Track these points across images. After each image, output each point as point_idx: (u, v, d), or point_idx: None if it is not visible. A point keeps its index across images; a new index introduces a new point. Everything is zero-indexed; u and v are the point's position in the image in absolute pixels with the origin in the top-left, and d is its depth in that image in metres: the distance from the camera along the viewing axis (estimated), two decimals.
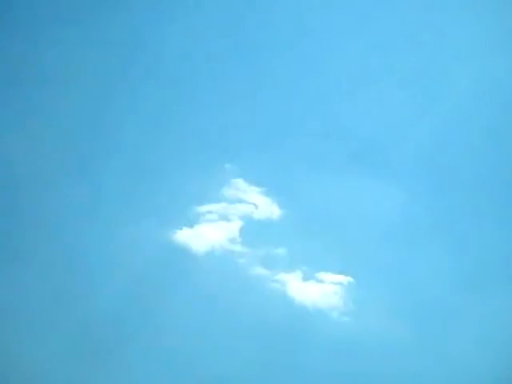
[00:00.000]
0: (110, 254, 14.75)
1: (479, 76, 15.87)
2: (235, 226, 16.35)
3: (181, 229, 15.64)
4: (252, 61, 18.37)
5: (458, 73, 16.71)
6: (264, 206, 16.58)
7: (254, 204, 16.55)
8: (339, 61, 17.96)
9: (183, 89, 17.59)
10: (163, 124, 17.05)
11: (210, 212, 16.19)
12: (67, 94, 16.58)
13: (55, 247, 14.62)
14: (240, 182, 16.61)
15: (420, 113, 17.37)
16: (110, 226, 15.25)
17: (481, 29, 16.67)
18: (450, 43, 17.30)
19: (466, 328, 14.14)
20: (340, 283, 16.36)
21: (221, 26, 18.21)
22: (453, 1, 17.51)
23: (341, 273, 16.16)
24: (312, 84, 17.81)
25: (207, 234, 16.00)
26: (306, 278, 16.39)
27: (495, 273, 14.04)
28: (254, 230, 16.34)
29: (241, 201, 16.63)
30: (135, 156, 16.62)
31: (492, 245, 14.28)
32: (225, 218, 16.34)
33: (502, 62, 15.68)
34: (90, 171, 16.21)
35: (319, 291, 16.01)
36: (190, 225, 15.89)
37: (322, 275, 16.41)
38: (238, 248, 16.12)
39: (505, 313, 13.39)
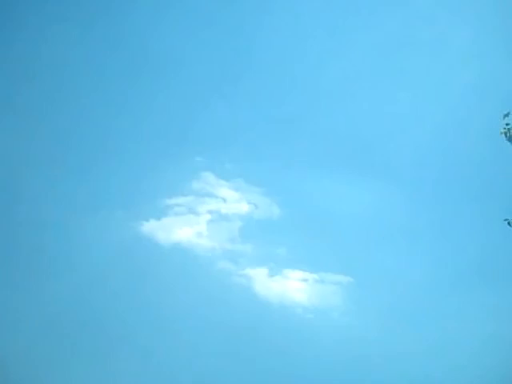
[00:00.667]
0: (77, 242, 14.64)
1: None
2: (203, 220, 16.33)
3: (147, 220, 15.56)
4: (235, 53, 18.18)
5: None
6: (233, 201, 16.58)
7: (223, 198, 16.52)
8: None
9: (155, 82, 17.48)
10: (134, 116, 16.94)
11: (178, 205, 16.15)
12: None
13: (22, 235, 14.43)
14: (209, 176, 16.57)
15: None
16: (78, 215, 15.13)
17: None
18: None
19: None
20: (306, 280, 16.41)
21: (207, 19, 18.02)
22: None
23: (307, 270, 16.22)
24: (303, 82, 17.71)
25: (174, 227, 15.95)
26: (271, 274, 16.41)
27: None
28: (221, 225, 16.33)
29: (210, 195, 16.60)
30: (105, 147, 16.50)
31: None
32: (193, 211, 16.30)
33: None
34: (60, 162, 16.05)
35: (284, 288, 16.05)
36: (158, 217, 15.82)
37: (288, 272, 16.46)
38: (204, 242, 16.10)
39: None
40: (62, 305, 13.03)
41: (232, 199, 16.13)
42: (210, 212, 16.11)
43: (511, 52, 15.43)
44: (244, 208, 16.50)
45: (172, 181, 16.18)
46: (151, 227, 15.00)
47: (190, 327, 13.67)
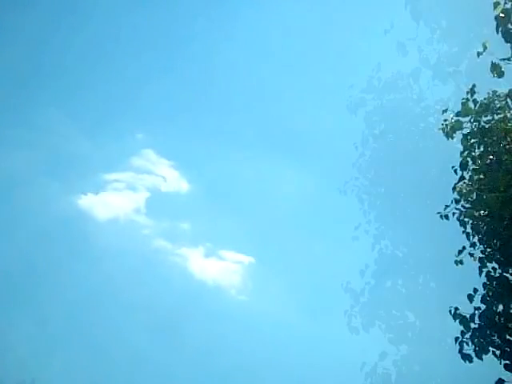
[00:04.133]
0: (13, 213, 14.36)
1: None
2: (141, 197, 16.33)
3: (85, 194, 15.42)
4: (171, 35, 18.18)
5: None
6: (172, 180, 16.63)
7: (163, 176, 16.56)
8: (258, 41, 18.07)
9: (100, 57, 17.25)
10: (76, 88, 16.69)
11: (117, 180, 16.10)
12: None
13: None
14: (150, 153, 16.57)
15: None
16: (16, 187, 14.82)
17: None
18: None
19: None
20: (241, 262, 16.62)
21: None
22: None
23: (243, 252, 16.44)
24: (230, 62, 17.91)
25: (112, 202, 15.89)
26: (208, 255, 16.55)
27: (398, 258, 14.49)
28: (160, 203, 16.36)
29: (149, 172, 16.62)
30: (46, 119, 16.20)
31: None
32: (132, 187, 16.29)
33: None
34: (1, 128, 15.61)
35: (220, 268, 16.23)
36: (96, 191, 15.71)
37: (225, 253, 16.63)
38: (142, 219, 16.10)
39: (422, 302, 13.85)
40: None
41: (172, 178, 16.18)
42: (149, 189, 16.12)
43: None
44: (184, 187, 16.58)
45: (111, 156, 16.08)
46: (89, 201, 14.89)
47: (123, 303, 13.71)
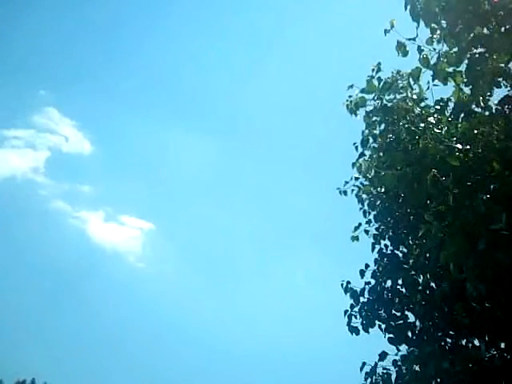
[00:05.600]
0: None
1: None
2: (41, 156, 15.71)
3: None
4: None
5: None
6: (75, 140, 16.09)
7: (65, 136, 15.97)
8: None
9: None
10: None
11: (15, 137, 15.40)
12: None
13: None
14: (53, 112, 15.92)
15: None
16: None
17: None
18: None
19: (259, 282, 14.90)
20: (141, 228, 16.38)
21: None
22: None
23: (144, 218, 16.19)
24: (142, 26, 17.44)
25: (9, 160, 15.20)
26: (108, 219, 16.19)
27: (298, 232, 14.78)
28: (60, 163, 15.80)
29: (51, 131, 15.98)
30: None
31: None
32: (31, 145, 15.64)
33: None
34: None
35: (119, 234, 15.91)
36: None
37: (125, 218, 16.32)
38: (40, 179, 15.51)
39: (301, 274, 14.22)
40: None
41: (75, 138, 15.66)
42: (49, 148, 15.53)
43: None
44: (87, 148, 16.10)
45: (11, 111, 15.35)
46: None
47: (16, 264, 13.25)
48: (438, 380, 4.62)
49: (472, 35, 3.92)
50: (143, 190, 16.10)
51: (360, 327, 5.33)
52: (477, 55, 3.97)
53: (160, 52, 17.44)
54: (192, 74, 17.27)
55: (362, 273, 5.55)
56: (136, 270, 15.48)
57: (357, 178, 5.90)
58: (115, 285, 14.56)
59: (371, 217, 5.81)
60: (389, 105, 5.18)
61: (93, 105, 16.02)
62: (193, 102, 17.10)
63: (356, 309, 5.40)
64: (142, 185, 16.21)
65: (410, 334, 5.16)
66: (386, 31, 4.63)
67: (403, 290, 5.35)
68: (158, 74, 17.22)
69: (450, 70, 4.46)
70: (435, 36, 4.38)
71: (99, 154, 16.33)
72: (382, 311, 5.22)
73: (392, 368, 5.06)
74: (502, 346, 3.97)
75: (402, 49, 4.62)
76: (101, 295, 14.06)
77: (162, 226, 15.92)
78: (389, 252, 5.64)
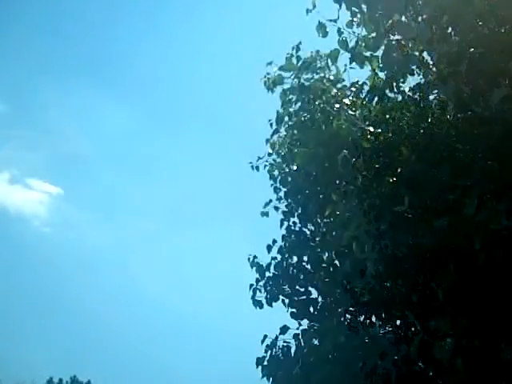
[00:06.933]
0: None
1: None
2: None
3: None
4: None
5: None
6: None
7: None
8: None
9: None
10: None
11: None
12: None
13: None
14: None
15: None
16: None
17: None
18: None
19: (166, 252, 14.74)
20: (49, 193, 15.88)
21: None
22: None
23: (52, 183, 15.68)
24: None
25: None
26: (13, 181, 15.58)
27: (207, 204, 14.58)
28: None
29: None
30: None
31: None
32: None
33: None
34: None
35: (25, 197, 15.32)
36: None
37: (32, 181, 15.78)
38: None
39: (208, 246, 14.10)
40: None
41: None
42: None
43: None
44: None
45: None
46: None
47: None
48: (335, 354, 4.78)
49: (390, 22, 4.02)
50: (52, 153, 15.59)
51: (264, 301, 5.44)
52: (393, 42, 4.07)
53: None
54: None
55: (269, 248, 5.64)
56: (41, 234, 14.99)
57: (270, 154, 5.95)
58: (17, 248, 14.08)
59: (282, 194, 5.91)
60: (306, 84, 5.24)
61: (8, 64, 15.16)
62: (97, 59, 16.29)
63: (261, 283, 5.49)
64: (51, 148, 15.68)
65: (312, 309, 5.31)
66: (307, 11, 4.68)
67: (308, 266, 5.49)
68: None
69: (368, 54, 4.55)
70: (355, 19, 4.45)
71: (9, 113, 15.59)
72: (286, 286, 5.33)
73: (292, 341, 5.21)
74: (398, 323, 4.14)
75: (322, 29, 4.69)
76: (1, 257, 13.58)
77: (70, 191, 15.43)
78: (297, 229, 5.76)
